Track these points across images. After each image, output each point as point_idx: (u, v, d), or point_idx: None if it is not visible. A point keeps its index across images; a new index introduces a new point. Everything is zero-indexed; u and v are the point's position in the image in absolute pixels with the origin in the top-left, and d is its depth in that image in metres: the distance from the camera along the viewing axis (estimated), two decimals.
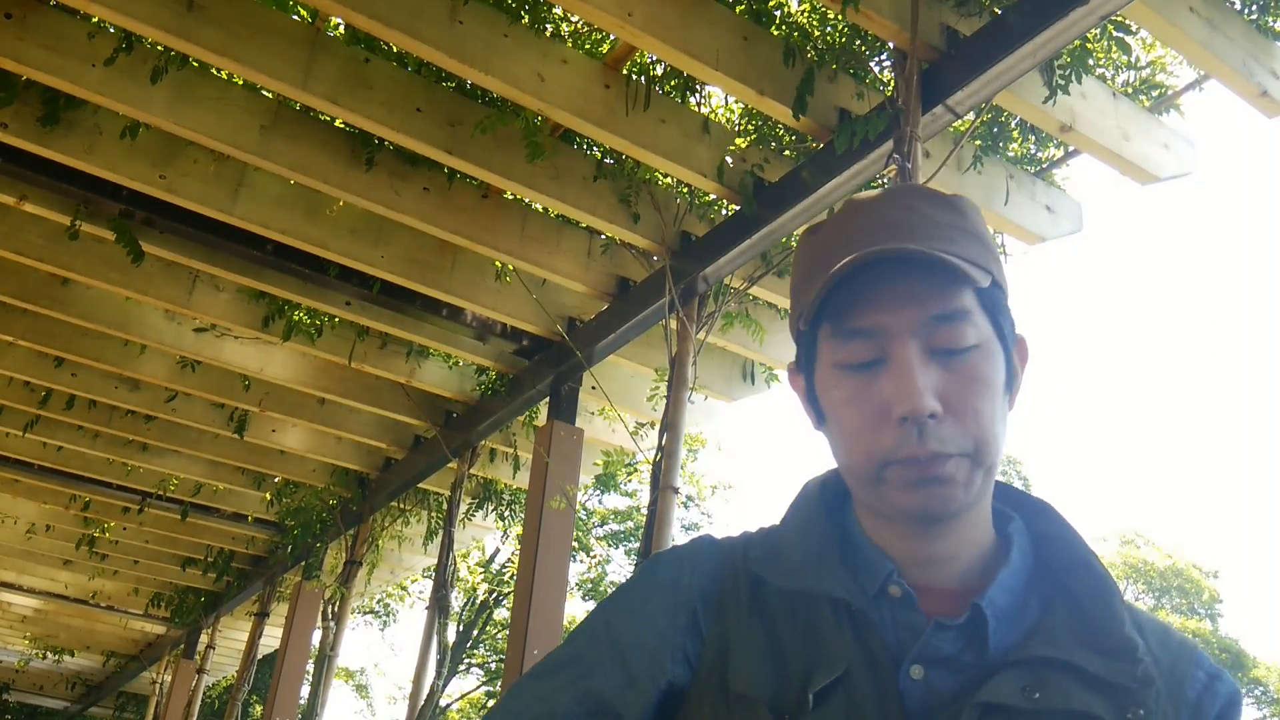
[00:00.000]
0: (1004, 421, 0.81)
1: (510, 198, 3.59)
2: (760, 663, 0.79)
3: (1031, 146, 3.28)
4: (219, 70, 3.11)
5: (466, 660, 15.73)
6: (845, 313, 0.80)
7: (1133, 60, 3.02)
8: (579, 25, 3.10)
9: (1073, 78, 2.66)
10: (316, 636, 5.80)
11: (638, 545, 13.01)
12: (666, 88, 3.16)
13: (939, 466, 0.76)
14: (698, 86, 3.19)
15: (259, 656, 6.74)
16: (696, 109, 3.19)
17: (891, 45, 2.74)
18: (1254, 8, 2.75)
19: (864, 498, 0.83)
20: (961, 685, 0.75)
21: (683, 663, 0.82)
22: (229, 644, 8.66)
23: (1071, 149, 3.23)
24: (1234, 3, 2.74)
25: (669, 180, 3.49)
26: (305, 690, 5.75)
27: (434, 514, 5.54)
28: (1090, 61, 2.88)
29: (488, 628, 15.71)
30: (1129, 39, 2.92)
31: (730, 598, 0.84)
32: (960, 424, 0.77)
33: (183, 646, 8.45)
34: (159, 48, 2.93)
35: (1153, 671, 0.76)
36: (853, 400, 0.80)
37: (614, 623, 0.84)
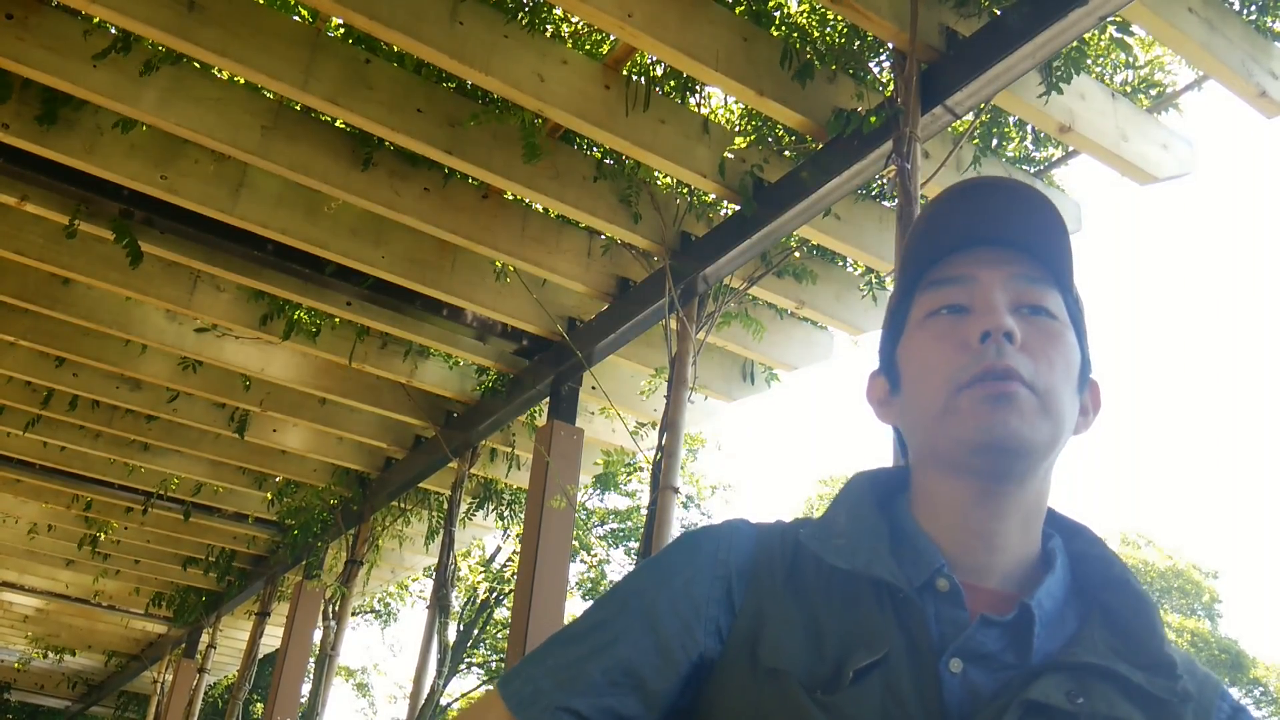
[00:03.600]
0: (1071, 406, 0.83)
1: (510, 198, 3.60)
2: (794, 639, 0.78)
3: (1030, 147, 3.28)
4: (220, 70, 3.12)
5: (467, 660, 15.73)
6: (942, 265, 0.87)
7: (1131, 60, 3.03)
8: (579, 26, 3.11)
9: (1071, 77, 2.66)
10: (317, 636, 5.81)
11: (638, 545, 13.01)
12: (666, 88, 3.17)
13: (1011, 384, 0.79)
14: (697, 87, 3.20)
15: (260, 656, 6.75)
16: (696, 109, 3.19)
17: (891, 46, 2.74)
18: (1253, 8, 2.76)
19: (933, 445, 0.84)
20: (1001, 684, 0.74)
21: (714, 635, 0.81)
22: (230, 643, 8.67)
23: (1070, 149, 3.24)
24: (1233, 3, 2.75)
25: (669, 180, 3.50)
26: (306, 689, 5.76)
27: (434, 513, 5.55)
28: (1089, 62, 2.88)
29: (488, 627, 15.72)
30: (1128, 39, 2.92)
31: (765, 574, 0.84)
32: (1033, 360, 0.80)
33: (184, 646, 8.46)
34: (159, 48, 2.94)
35: (1191, 689, 0.77)
36: (938, 336, 0.84)
37: (646, 592, 0.83)
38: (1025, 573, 0.83)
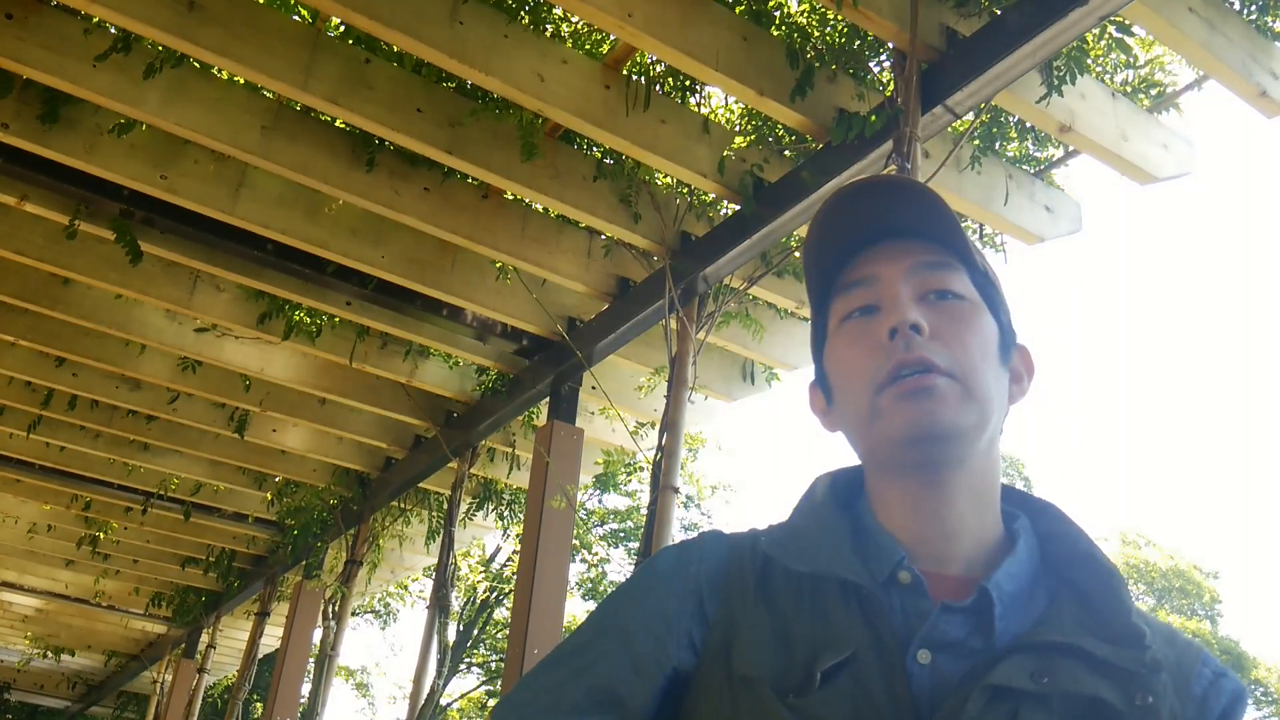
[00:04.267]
0: (997, 383, 0.84)
1: (510, 198, 3.60)
2: (765, 645, 0.79)
3: (1030, 146, 3.28)
4: (220, 70, 3.12)
5: (467, 659, 15.73)
6: (848, 268, 0.89)
7: (1131, 60, 3.03)
8: (579, 26, 3.11)
9: (1069, 78, 2.66)
10: (317, 636, 5.81)
11: (638, 545, 13.00)
12: (666, 88, 3.17)
13: (927, 378, 0.80)
14: (698, 87, 3.20)
15: (260, 656, 6.75)
16: (696, 109, 3.19)
17: (891, 45, 2.74)
18: (1253, 8, 2.75)
19: (869, 449, 0.86)
20: (969, 670, 0.75)
21: (688, 649, 0.82)
22: (230, 643, 8.67)
23: (1071, 149, 3.24)
24: (1233, 3, 2.74)
25: (669, 180, 3.50)
26: (306, 689, 5.76)
27: (434, 513, 5.55)
28: (1089, 61, 2.88)
29: (488, 627, 15.72)
30: (1128, 39, 2.92)
31: (736, 584, 0.85)
32: (946, 347, 0.82)
33: (184, 646, 8.46)
34: (160, 48, 2.94)
35: (1160, 658, 0.76)
36: (853, 341, 0.86)
37: (620, 612, 0.85)
38: (988, 556, 0.83)
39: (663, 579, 0.87)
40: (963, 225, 0.88)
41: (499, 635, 15.76)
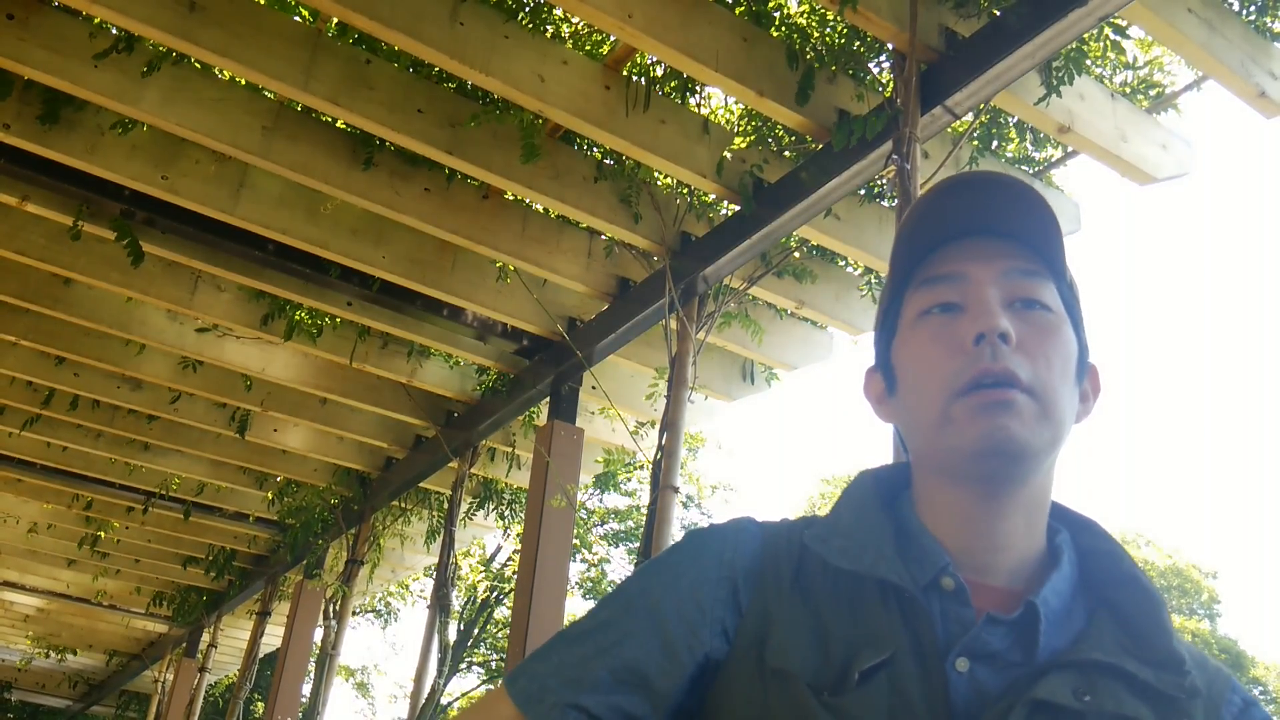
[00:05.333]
0: (1070, 401, 0.82)
1: (511, 198, 3.60)
2: (800, 640, 0.78)
3: (1030, 147, 3.29)
4: (220, 71, 3.12)
5: (467, 659, 15.74)
6: (933, 263, 0.85)
7: (1130, 61, 3.03)
8: (579, 26, 3.11)
9: (1068, 78, 2.66)
10: (318, 635, 5.82)
11: (638, 545, 13.01)
12: (666, 88, 3.17)
13: (1008, 391, 0.77)
14: (698, 87, 3.20)
15: (261, 655, 6.76)
16: (696, 110, 3.19)
17: (890, 46, 2.75)
18: (1252, 9, 2.76)
19: (931, 453, 0.83)
20: (1008, 683, 0.74)
21: (720, 636, 0.81)
22: (231, 643, 8.68)
23: (1070, 150, 3.24)
24: (1232, 3, 2.75)
25: (669, 181, 3.50)
26: (307, 689, 5.76)
27: (435, 513, 5.56)
28: (1088, 62, 2.88)
29: (488, 626, 15.73)
30: (1127, 40, 2.92)
31: (771, 575, 0.83)
32: (1030, 360, 0.79)
33: (185, 645, 8.47)
34: (160, 49, 2.94)
35: (1199, 685, 0.76)
36: (934, 338, 0.83)
37: (651, 591, 0.83)
38: (1032, 569, 0.82)
39: (696, 562, 0.84)
40: (1063, 234, 0.85)
41: (499, 635, 15.77)
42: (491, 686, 16.02)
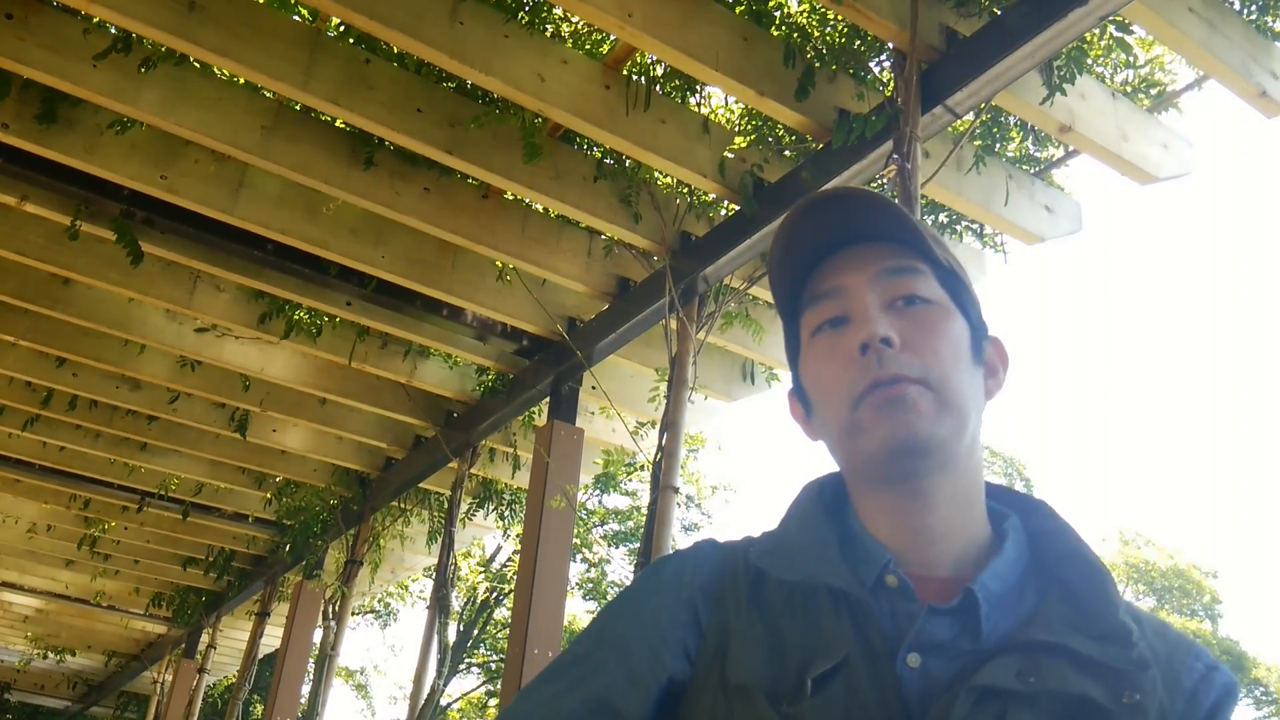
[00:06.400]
0: (971, 384, 0.84)
1: (510, 198, 3.60)
2: (758, 654, 0.80)
3: (1031, 147, 3.28)
4: (220, 71, 3.12)
5: (467, 660, 15.73)
6: (813, 280, 0.89)
7: (1131, 60, 3.03)
8: (579, 26, 3.11)
9: (1069, 77, 2.66)
10: (317, 636, 5.81)
11: (638, 545, 13.01)
12: (667, 88, 3.17)
13: (900, 388, 0.80)
14: (698, 87, 3.20)
15: (260, 656, 6.75)
16: (696, 109, 3.19)
17: (891, 46, 2.74)
18: (1253, 8, 2.76)
19: (848, 462, 0.86)
20: (957, 671, 0.75)
21: (683, 658, 0.83)
22: (230, 643, 8.67)
23: (1071, 149, 3.24)
24: (1233, 3, 2.75)
25: (669, 180, 3.50)
26: (306, 690, 5.76)
27: (434, 513, 5.55)
28: (1089, 61, 2.88)
29: (488, 627, 15.71)
30: (1128, 39, 2.92)
31: (730, 593, 0.85)
32: (917, 356, 0.82)
33: (184, 646, 8.46)
34: (160, 48, 2.94)
35: (1147, 656, 0.76)
36: (825, 356, 0.86)
37: (617, 622, 0.86)
38: (976, 556, 0.83)
39: (658, 589, 0.87)
40: (921, 223, 0.88)
41: (499, 635, 15.76)
42: (491, 687, 16.03)
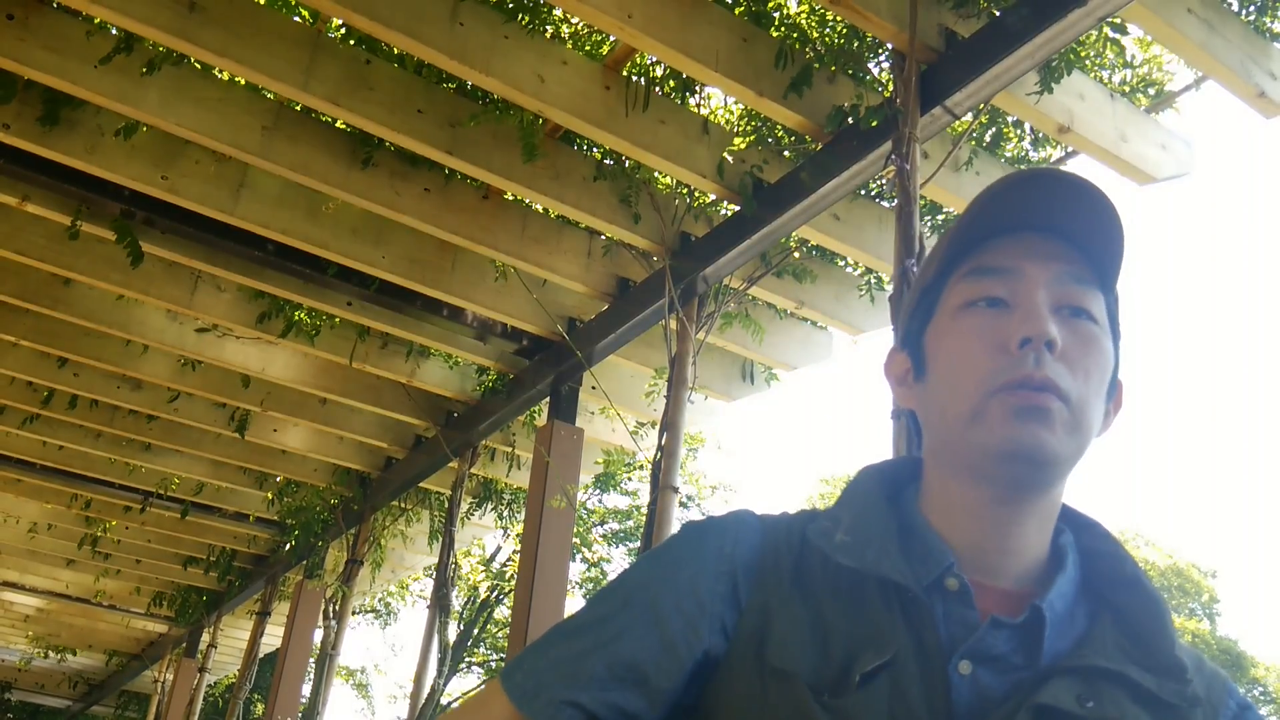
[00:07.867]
0: (1098, 415, 0.81)
1: (510, 198, 3.60)
2: (801, 638, 0.77)
3: (1029, 147, 3.29)
4: (220, 71, 3.12)
5: (467, 659, 15.73)
6: (986, 253, 0.83)
7: (1130, 60, 3.03)
8: (579, 27, 3.11)
9: (1068, 74, 2.66)
10: (318, 635, 5.82)
11: (638, 545, 13.01)
12: (666, 89, 3.17)
13: (1047, 397, 0.76)
14: (697, 87, 3.20)
15: (260, 655, 6.76)
16: (696, 110, 3.20)
17: (890, 46, 2.75)
18: (1252, 9, 2.76)
19: (954, 448, 0.81)
20: (1011, 686, 0.73)
21: (719, 633, 0.79)
22: (230, 643, 8.68)
23: (1069, 150, 3.24)
24: (1232, 4, 2.75)
25: (669, 181, 3.50)
26: (306, 689, 5.76)
27: (435, 513, 5.56)
28: (1087, 62, 2.88)
29: (489, 626, 15.72)
30: (1121, 39, 2.92)
31: (771, 570, 0.82)
32: (1070, 371, 0.78)
33: (184, 645, 8.46)
34: (161, 49, 2.94)
35: (1200, 693, 0.76)
36: (975, 332, 0.80)
37: (650, 585, 0.81)
38: (1037, 571, 0.81)
39: (695, 555, 0.83)
40: (1124, 240, 0.82)
41: (499, 635, 15.76)
42: (492, 680, 15.96)
